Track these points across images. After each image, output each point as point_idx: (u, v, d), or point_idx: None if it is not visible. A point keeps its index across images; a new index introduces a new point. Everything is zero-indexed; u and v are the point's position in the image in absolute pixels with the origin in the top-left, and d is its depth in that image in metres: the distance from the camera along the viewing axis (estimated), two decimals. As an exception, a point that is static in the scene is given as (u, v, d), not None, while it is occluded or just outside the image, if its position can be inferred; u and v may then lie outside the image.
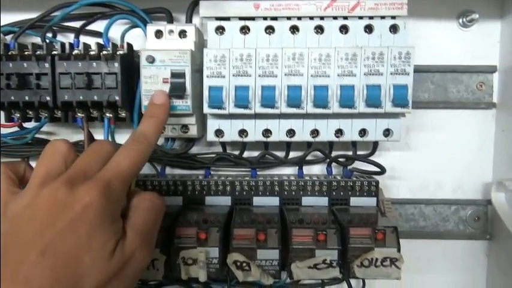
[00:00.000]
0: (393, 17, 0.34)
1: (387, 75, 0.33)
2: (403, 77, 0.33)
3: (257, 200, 0.38)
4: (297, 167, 0.40)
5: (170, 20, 0.38)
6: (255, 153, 0.40)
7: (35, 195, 0.22)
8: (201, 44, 0.37)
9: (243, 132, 0.36)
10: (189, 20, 0.38)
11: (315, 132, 0.36)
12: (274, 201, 0.38)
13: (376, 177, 0.39)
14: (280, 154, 0.40)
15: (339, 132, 0.36)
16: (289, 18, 0.35)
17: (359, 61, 0.33)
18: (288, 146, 0.39)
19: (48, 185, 0.23)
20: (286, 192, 0.38)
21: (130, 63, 0.35)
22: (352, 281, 0.36)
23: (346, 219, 0.33)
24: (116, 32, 0.37)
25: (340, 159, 0.39)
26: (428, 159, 0.42)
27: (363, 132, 0.36)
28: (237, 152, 0.39)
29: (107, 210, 0.22)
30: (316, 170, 0.41)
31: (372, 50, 0.33)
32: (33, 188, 0.23)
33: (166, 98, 0.30)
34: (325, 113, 0.33)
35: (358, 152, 0.40)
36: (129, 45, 0.36)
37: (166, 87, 0.33)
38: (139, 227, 0.25)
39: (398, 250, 0.30)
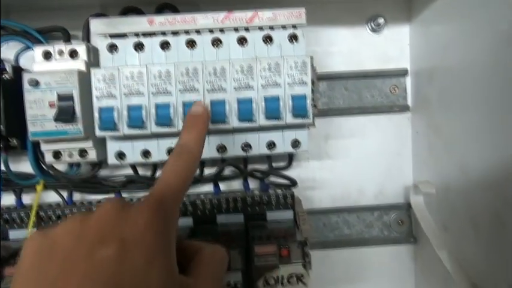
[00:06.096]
0: (294, 26, 0.34)
1: (285, 86, 0.32)
2: (301, 87, 0.32)
3: (170, 223, 0.36)
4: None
5: (67, 39, 0.36)
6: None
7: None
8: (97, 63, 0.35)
9: (146, 154, 0.34)
10: (86, 39, 0.36)
11: (222, 148, 0.34)
12: (189, 221, 0.36)
13: (298, 187, 0.38)
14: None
15: (248, 146, 0.35)
16: (187, 32, 0.34)
17: (255, 73, 0.32)
18: (201, 164, 0.38)
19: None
20: (200, 212, 0.36)
21: (19, 88, 0.33)
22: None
23: (256, 237, 0.32)
24: (11, 54, 0.35)
25: (255, 173, 0.38)
26: (349, 167, 0.41)
27: (272, 144, 0.35)
28: (149, 173, 0.38)
29: (164, 229, 0.20)
30: (236, 185, 0.40)
31: (268, 61, 0.32)
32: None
33: (205, 108, 0.28)
34: (226, 128, 0.32)
35: (277, 164, 0.39)
36: (16, 69, 0.34)
37: (53, 112, 0.31)
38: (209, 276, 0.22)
39: (304, 266, 0.29)
